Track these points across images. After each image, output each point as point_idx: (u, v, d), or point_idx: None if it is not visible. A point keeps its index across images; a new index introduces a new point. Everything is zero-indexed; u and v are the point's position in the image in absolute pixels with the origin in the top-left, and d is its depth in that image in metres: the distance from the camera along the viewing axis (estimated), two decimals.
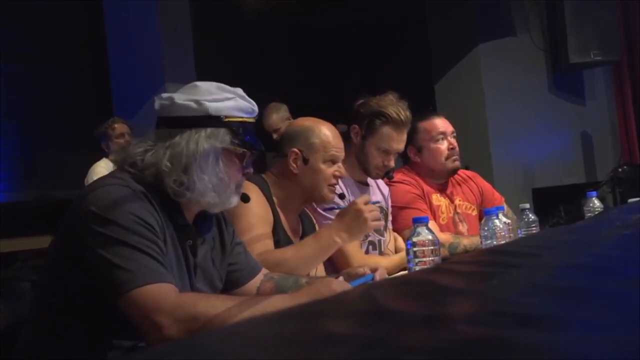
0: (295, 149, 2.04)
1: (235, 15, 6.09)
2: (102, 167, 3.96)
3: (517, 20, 5.31)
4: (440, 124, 2.72)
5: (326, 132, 2.07)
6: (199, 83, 1.52)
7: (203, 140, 1.44)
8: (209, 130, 1.45)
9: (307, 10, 6.33)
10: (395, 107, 2.36)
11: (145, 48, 4.60)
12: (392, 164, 2.43)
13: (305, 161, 2.03)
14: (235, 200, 1.54)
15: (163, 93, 1.52)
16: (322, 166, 2.04)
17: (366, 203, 1.97)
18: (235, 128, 1.48)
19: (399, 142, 2.40)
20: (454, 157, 2.71)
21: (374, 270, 1.73)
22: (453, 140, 2.71)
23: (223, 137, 1.46)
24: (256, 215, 1.93)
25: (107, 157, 4.18)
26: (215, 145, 1.45)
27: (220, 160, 1.47)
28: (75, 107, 5.23)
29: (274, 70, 6.39)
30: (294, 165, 2.04)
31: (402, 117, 2.36)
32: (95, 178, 3.77)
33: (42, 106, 5.10)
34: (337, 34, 6.77)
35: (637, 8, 5.81)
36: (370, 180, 2.53)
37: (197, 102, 1.46)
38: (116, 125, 4.18)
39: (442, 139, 2.70)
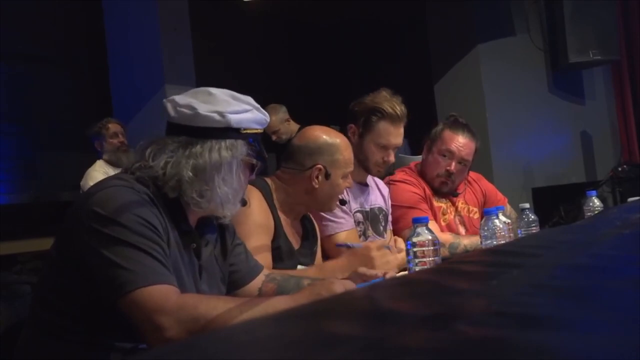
0: (320, 165, 2.04)
1: (235, 15, 6.09)
2: (97, 172, 3.96)
3: (517, 20, 5.31)
4: (455, 144, 2.66)
5: (347, 148, 2.10)
6: (212, 90, 1.51)
7: (224, 151, 1.46)
8: (228, 141, 1.47)
9: (307, 10, 6.33)
10: (390, 102, 2.37)
11: (144, 48, 4.60)
12: (392, 159, 2.42)
13: (327, 176, 2.04)
14: (239, 206, 1.56)
15: (175, 97, 1.51)
16: (340, 181, 2.07)
17: (380, 248, 1.96)
18: (252, 140, 1.51)
19: (397, 136, 2.39)
20: (443, 180, 2.68)
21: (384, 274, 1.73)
22: (456, 165, 2.65)
23: (241, 149, 1.48)
24: (256, 224, 1.93)
25: (100, 156, 4.19)
26: (237, 156, 1.47)
27: (239, 171, 1.49)
28: (75, 108, 5.23)
29: (274, 70, 6.39)
30: (316, 181, 2.04)
31: (398, 112, 2.36)
32: (90, 183, 3.77)
33: (42, 107, 5.10)
34: (337, 34, 6.77)
35: (637, 7, 5.81)
36: (370, 181, 2.52)
37: (220, 114, 1.46)
38: (110, 125, 4.19)
39: (448, 157, 2.67)
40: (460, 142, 2.67)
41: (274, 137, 4.46)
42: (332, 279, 1.53)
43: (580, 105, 5.77)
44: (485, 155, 4.92)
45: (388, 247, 2.02)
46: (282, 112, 4.50)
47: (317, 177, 2.04)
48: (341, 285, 1.41)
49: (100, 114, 4.69)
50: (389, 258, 1.97)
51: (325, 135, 2.10)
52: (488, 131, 4.97)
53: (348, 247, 2.07)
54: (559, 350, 0.46)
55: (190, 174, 1.43)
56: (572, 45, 5.22)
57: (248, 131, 1.50)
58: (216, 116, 1.45)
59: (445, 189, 2.71)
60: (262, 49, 6.52)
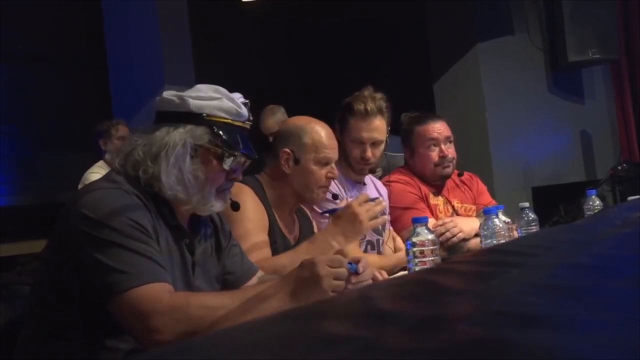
0: (287, 149, 2.02)
1: (235, 15, 6.09)
2: (95, 174, 3.94)
3: (516, 19, 5.31)
4: (434, 130, 2.69)
5: (319, 132, 2.04)
6: (199, 85, 1.53)
7: (177, 134, 1.45)
8: (188, 126, 1.46)
9: (306, 10, 6.33)
10: (364, 98, 2.37)
11: (144, 48, 4.60)
12: (369, 154, 2.38)
13: (297, 161, 2.01)
14: (218, 205, 1.52)
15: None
16: (314, 167, 2.01)
17: (364, 202, 1.94)
18: (217, 128, 1.48)
19: (369, 131, 2.37)
20: (445, 165, 2.69)
21: (355, 261, 1.62)
22: (446, 147, 2.68)
23: (201, 135, 1.46)
24: (252, 221, 1.91)
25: (102, 155, 4.19)
26: (187, 139, 1.45)
27: (194, 157, 1.46)
28: (75, 108, 5.23)
29: (274, 70, 6.39)
30: (286, 166, 2.02)
31: (368, 107, 2.35)
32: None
33: (42, 107, 5.10)
34: (336, 34, 6.76)
35: (636, 6, 5.81)
36: (367, 180, 2.52)
37: (180, 97, 1.47)
38: (120, 127, 4.18)
39: (434, 145, 2.68)
40: (436, 127, 2.70)
41: (271, 139, 4.45)
42: (313, 258, 1.47)
43: (580, 105, 5.76)
44: (485, 154, 4.92)
45: (372, 200, 1.98)
46: (280, 114, 4.50)
47: (287, 163, 2.02)
48: (324, 265, 1.35)
49: (100, 114, 4.69)
50: (376, 209, 1.93)
51: (296, 121, 2.09)
52: (488, 131, 4.97)
53: (332, 212, 2.05)
54: (559, 350, 0.46)
55: (141, 153, 1.44)
56: (572, 44, 5.22)
57: (213, 118, 1.47)
58: (175, 99, 1.47)
59: (449, 171, 2.73)
60: (261, 49, 6.52)
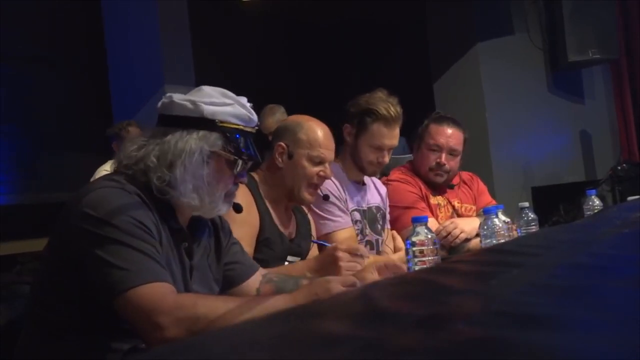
0: (282, 143, 2.04)
1: (234, 15, 6.09)
2: (108, 171, 3.93)
3: (516, 19, 5.31)
4: (443, 134, 2.68)
5: (315, 130, 2.05)
6: (205, 87, 1.51)
7: (192, 141, 1.44)
8: (201, 132, 1.45)
9: (306, 10, 6.33)
10: (385, 103, 2.35)
11: (144, 48, 4.60)
12: (387, 160, 2.41)
13: (290, 156, 2.02)
14: (224, 208, 1.52)
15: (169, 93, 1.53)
16: (305, 163, 2.02)
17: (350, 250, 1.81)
18: (230, 134, 1.47)
19: (391, 137, 2.38)
20: (437, 172, 2.69)
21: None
22: (446, 157, 2.67)
23: (215, 141, 1.46)
24: (240, 229, 1.86)
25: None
26: (204, 147, 1.44)
27: (208, 164, 1.46)
28: (75, 108, 5.23)
29: (273, 70, 6.39)
30: (279, 160, 2.03)
31: (392, 113, 2.35)
32: None
33: (42, 107, 5.10)
34: (337, 34, 6.77)
35: (636, 6, 5.81)
36: (367, 180, 2.52)
37: (193, 102, 1.46)
38: (130, 129, 4.16)
39: (436, 150, 2.68)
40: (447, 133, 2.69)
41: (270, 138, 4.45)
42: (330, 277, 1.50)
43: (580, 105, 5.77)
44: (485, 154, 4.92)
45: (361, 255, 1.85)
46: (280, 113, 4.49)
47: (280, 156, 2.03)
48: (337, 284, 1.39)
49: (100, 114, 4.69)
50: (358, 260, 1.91)
51: (295, 118, 2.11)
52: (488, 131, 4.97)
53: (321, 244, 2.05)
54: (559, 350, 0.46)
55: (154, 159, 1.43)
56: (572, 44, 5.22)
57: (225, 125, 1.47)
58: (188, 104, 1.46)
59: (440, 180, 2.72)
60: (261, 49, 6.52)
